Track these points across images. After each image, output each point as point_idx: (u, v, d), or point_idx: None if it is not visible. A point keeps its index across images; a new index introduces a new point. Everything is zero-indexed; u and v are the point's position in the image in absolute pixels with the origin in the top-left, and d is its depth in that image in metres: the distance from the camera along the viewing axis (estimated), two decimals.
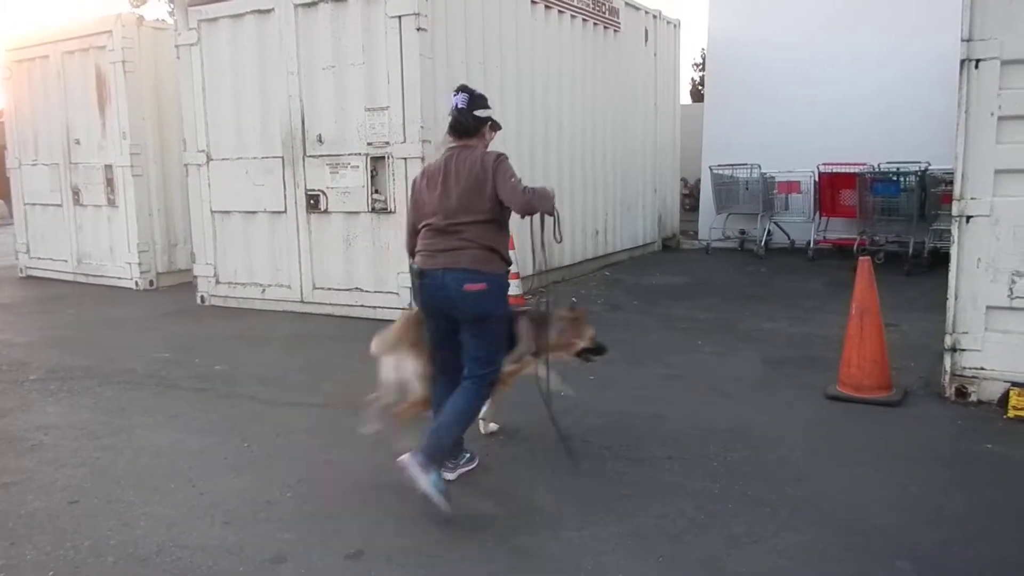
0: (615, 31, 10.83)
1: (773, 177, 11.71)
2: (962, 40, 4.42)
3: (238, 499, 3.70)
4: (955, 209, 4.56)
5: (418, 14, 7.00)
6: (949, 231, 10.05)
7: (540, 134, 9.16)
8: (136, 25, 9.54)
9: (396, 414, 3.84)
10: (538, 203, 3.54)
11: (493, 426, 4.42)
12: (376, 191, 7.45)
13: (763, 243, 11.63)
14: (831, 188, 11.24)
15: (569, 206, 9.91)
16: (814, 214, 11.42)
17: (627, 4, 11.15)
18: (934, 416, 4.58)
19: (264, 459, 4.22)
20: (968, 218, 4.54)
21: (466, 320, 3.60)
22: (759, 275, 10.09)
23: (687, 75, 27.37)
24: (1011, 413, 4.41)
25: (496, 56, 8.23)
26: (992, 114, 4.38)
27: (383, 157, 7.33)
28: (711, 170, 12.19)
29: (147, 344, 6.88)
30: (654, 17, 12.08)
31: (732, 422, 4.59)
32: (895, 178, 9.95)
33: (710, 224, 12.43)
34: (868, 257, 4.93)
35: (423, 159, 7.10)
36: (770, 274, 10.07)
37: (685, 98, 14.33)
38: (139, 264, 9.75)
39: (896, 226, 10.13)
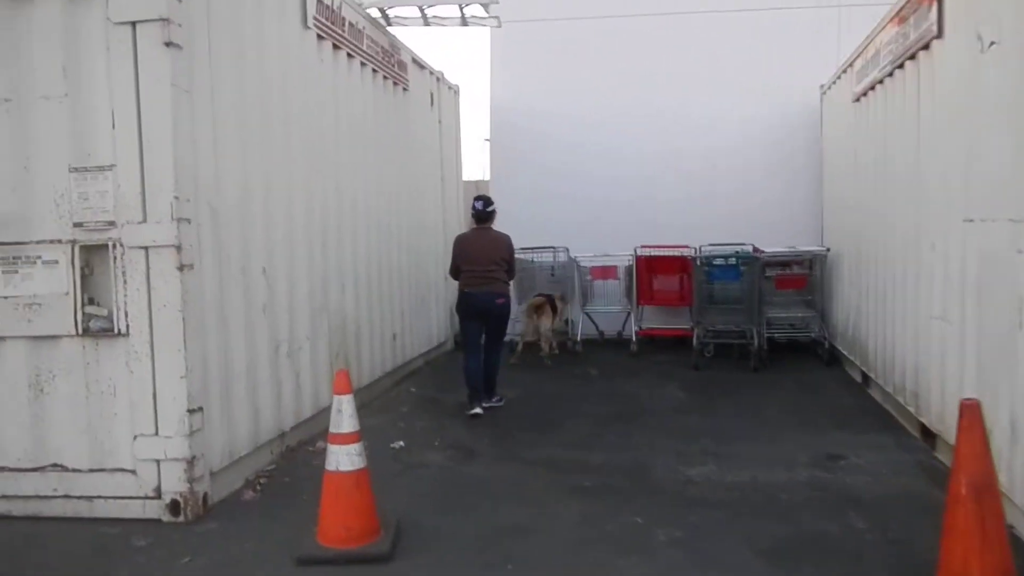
0: (404, 89, 8.76)
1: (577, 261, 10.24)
2: None
3: None
4: None
5: (167, 20, 4.34)
6: (784, 319, 9.60)
7: (333, 214, 6.68)
8: None
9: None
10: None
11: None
12: (91, 300, 4.52)
13: (579, 338, 10.02)
14: (649, 273, 9.98)
15: (367, 306, 7.50)
16: (634, 303, 10.05)
17: (414, 61, 9.16)
18: None
19: None
20: None
21: (494, 317, 6.90)
22: (597, 382, 8.34)
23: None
24: None
25: (280, 104, 5.71)
26: None
27: (104, 246, 4.45)
28: None
29: None
30: (438, 79, 10.21)
31: None
32: (734, 263, 8.83)
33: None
34: (975, 401, 3.18)
35: (179, 248, 4.37)
36: (608, 379, 8.36)
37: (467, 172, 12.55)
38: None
39: (734, 316, 8.99)
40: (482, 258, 6.81)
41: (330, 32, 6.63)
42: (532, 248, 10.24)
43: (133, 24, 4.36)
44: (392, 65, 8.36)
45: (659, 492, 4.80)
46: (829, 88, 9.39)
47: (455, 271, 7.06)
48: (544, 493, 4.81)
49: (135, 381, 4.40)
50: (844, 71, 8.34)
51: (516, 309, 9.06)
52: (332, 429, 3.95)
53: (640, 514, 4.41)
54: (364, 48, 7.49)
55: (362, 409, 6.84)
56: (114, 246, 4.43)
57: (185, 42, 4.48)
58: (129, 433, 4.42)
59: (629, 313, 10.17)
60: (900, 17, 6.02)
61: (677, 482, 4.96)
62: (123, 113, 4.39)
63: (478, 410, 6.71)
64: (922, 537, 4.02)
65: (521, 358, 9.12)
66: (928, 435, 5.63)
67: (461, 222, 11.27)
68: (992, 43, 4.27)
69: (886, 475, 5.07)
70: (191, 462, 4.37)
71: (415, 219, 9.06)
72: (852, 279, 8.15)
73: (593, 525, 4.29)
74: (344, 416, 3.93)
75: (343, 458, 3.89)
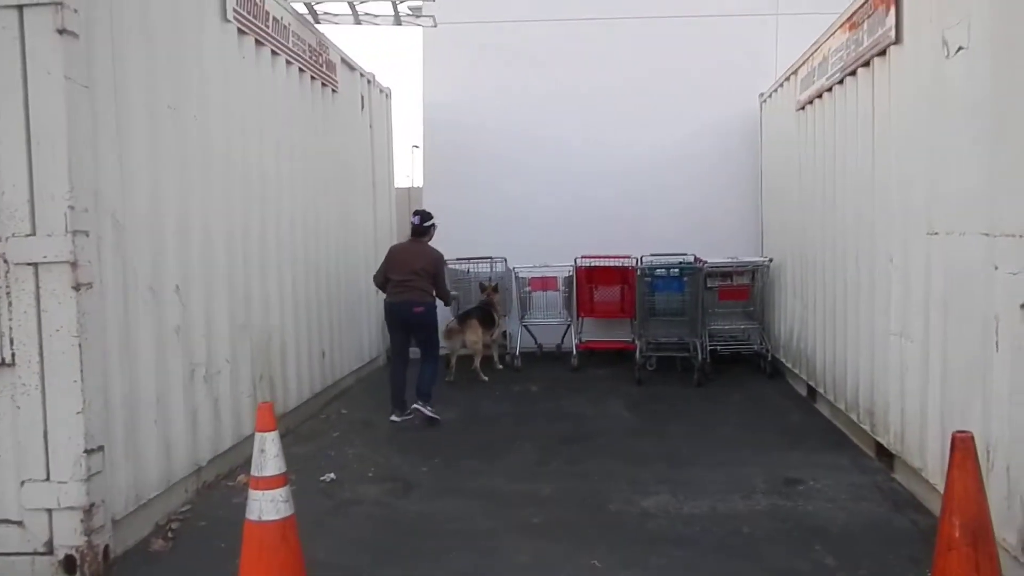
0: (333, 91, 8.26)
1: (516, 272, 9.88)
2: None
3: None
4: None
5: (60, 4, 3.79)
6: (726, 331, 9.41)
7: (256, 223, 6.16)
8: None
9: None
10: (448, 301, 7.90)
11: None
12: None
13: (517, 352, 9.65)
14: (590, 284, 9.69)
15: (294, 321, 6.97)
16: (574, 315, 9.73)
17: (343, 61, 8.67)
18: None
19: None
20: None
21: (416, 327, 7.00)
22: (537, 399, 7.98)
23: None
24: None
25: (196, 103, 5.16)
26: None
27: None
28: None
29: None
30: (368, 81, 9.73)
31: None
32: (678, 273, 8.60)
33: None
34: (968, 433, 2.91)
35: (75, 264, 3.81)
36: (550, 397, 8.00)
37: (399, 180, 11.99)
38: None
39: (677, 328, 8.77)
40: (403, 268, 6.96)
41: (252, 26, 6.11)
42: (468, 259, 9.88)
43: (20, 8, 3.80)
44: (320, 65, 7.86)
45: (615, 528, 4.44)
46: (769, 97, 9.28)
47: (381, 280, 7.16)
48: (492, 532, 4.40)
49: (22, 418, 3.82)
50: (787, 79, 8.22)
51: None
52: (254, 472, 3.45)
53: (597, 555, 4.04)
54: (290, 46, 6.98)
55: (288, 436, 6.39)
56: None
57: (83, 30, 3.94)
58: (15, 478, 3.83)
59: (569, 325, 9.87)
60: (851, 23, 5.86)
61: (633, 515, 4.62)
62: (8, 109, 3.83)
63: (395, 417, 6.92)
64: (896, 574, 3.80)
65: (456, 375, 8.69)
66: (883, 453, 5.45)
67: (393, 230, 10.79)
68: (960, 48, 4.08)
69: (847, 501, 4.85)
70: (89, 511, 3.80)
71: (345, 227, 8.57)
72: (796, 291, 8.01)
73: (548, 571, 3.91)
74: (268, 457, 3.43)
75: (267, 505, 3.40)
